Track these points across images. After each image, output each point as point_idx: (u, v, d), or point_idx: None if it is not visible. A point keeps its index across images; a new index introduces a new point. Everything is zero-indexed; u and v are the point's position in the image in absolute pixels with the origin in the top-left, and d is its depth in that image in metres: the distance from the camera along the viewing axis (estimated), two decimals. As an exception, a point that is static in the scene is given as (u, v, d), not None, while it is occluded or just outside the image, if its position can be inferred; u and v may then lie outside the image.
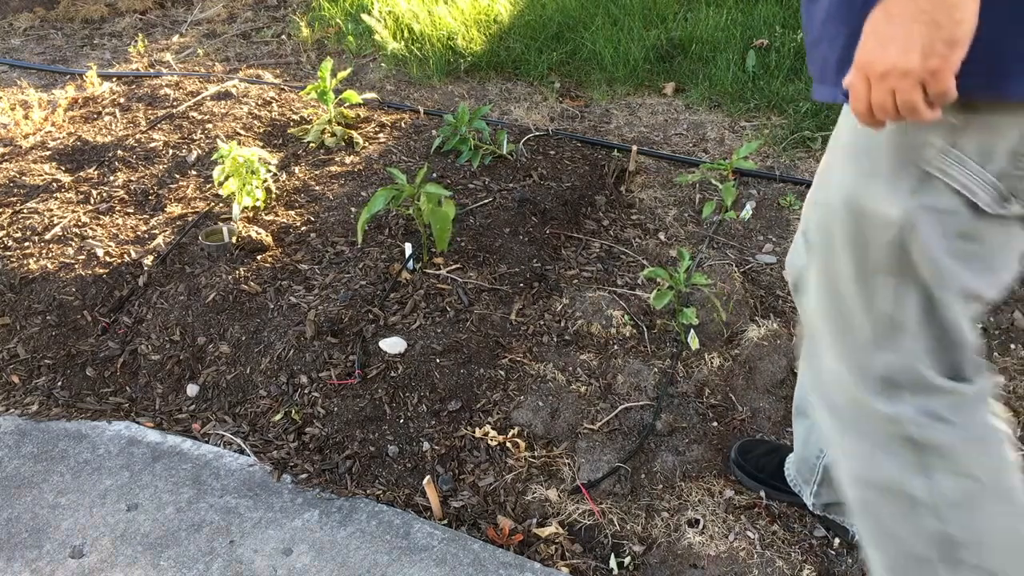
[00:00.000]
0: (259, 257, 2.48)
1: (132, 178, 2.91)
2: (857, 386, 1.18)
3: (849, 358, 1.18)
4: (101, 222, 2.68)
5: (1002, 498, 1.17)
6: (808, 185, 2.81)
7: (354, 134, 3.09)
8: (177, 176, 2.92)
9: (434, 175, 2.85)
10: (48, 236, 2.60)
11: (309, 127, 3.16)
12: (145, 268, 2.45)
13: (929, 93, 0.94)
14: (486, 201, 2.72)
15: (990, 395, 1.19)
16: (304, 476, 1.94)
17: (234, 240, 2.50)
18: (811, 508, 1.74)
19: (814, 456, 1.64)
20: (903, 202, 1.07)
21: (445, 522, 1.83)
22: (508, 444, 1.96)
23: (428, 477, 1.85)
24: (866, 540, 1.27)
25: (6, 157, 3.06)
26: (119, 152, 3.04)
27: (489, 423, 2.01)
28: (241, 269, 2.42)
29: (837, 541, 1.75)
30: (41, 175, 2.93)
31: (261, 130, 3.19)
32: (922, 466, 1.16)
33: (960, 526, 1.16)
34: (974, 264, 1.10)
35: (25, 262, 2.48)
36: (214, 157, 2.62)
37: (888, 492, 1.20)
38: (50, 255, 2.52)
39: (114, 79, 3.66)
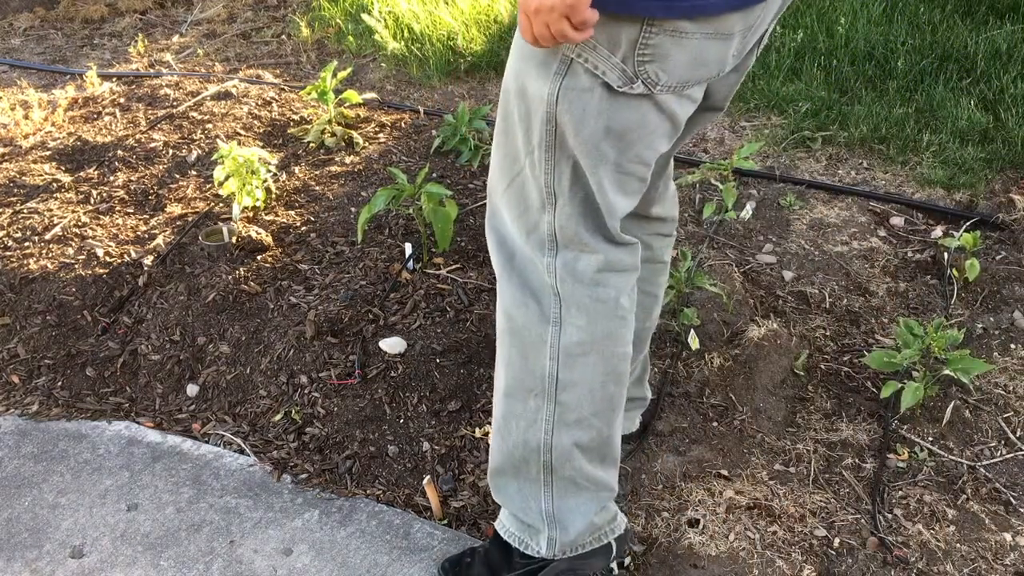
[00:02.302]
0: (259, 257, 2.48)
1: (132, 178, 2.91)
2: (528, 243, 1.43)
3: (523, 219, 1.43)
4: (101, 222, 2.68)
5: (602, 356, 1.44)
6: (809, 185, 2.81)
7: (354, 134, 3.09)
8: (177, 176, 2.92)
9: (434, 175, 2.85)
10: (48, 236, 2.60)
11: (309, 127, 3.16)
12: (145, 268, 2.45)
13: (573, 22, 1.17)
14: (486, 201, 2.71)
15: (633, 269, 1.45)
16: (304, 476, 1.94)
17: (234, 240, 2.51)
18: None
19: None
20: (551, 82, 1.30)
21: (445, 522, 1.83)
22: (508, 444, 1.96)
23: (428, 477, 1.85)
24: (497, 363, 1.53)
25: (6, 157, 3.06)
26: (119, 152, 3.04)
27: (489, 423, 2.01)
28: (241, 269, 2.42)
29: (837, 541, 1.76)
30: (41, 175, 2.93)
31: (261, 130, 3.19)
32: (558, 317, 1.42)
33: (566, 370, 1.43)
34: (613, 139, 1.32)
35: (25, 262, 2.48)
36: (214, 157, 2.62)
37: (526, 330, 1.45)
38: (50, 255, 2.52)
39: (114, 79, 3.66)
